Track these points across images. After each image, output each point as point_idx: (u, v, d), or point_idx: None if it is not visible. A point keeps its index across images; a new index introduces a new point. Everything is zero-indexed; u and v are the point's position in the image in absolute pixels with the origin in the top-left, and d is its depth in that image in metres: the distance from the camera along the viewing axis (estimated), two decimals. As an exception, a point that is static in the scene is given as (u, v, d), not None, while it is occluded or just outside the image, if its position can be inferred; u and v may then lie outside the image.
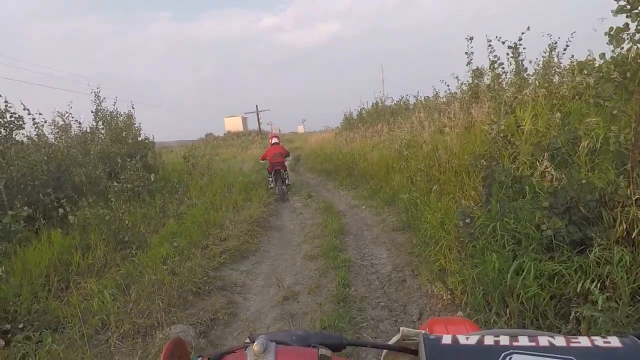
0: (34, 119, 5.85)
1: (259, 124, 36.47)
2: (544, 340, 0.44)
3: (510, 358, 0.42)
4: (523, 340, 0.45)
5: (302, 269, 4.01)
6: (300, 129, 53.27)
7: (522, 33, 4.76)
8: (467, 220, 2.87)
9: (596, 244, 2.02)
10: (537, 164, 2.63)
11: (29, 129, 5.68)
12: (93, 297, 3.06)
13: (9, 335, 2.59)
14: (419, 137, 6.55)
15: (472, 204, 3.33)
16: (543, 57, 5.07)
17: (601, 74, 2.37)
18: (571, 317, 1.91)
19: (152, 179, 6.43)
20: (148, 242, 4.44)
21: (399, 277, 3.57)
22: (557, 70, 5.08)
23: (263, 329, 2.90)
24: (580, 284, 1.89)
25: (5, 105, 4.83)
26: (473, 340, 0.46)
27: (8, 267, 3.32)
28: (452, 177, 4.45)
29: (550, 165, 2.48)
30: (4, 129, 4.82)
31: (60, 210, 4.58)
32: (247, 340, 0.57)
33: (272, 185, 8.10)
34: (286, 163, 8.24)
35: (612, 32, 2.34)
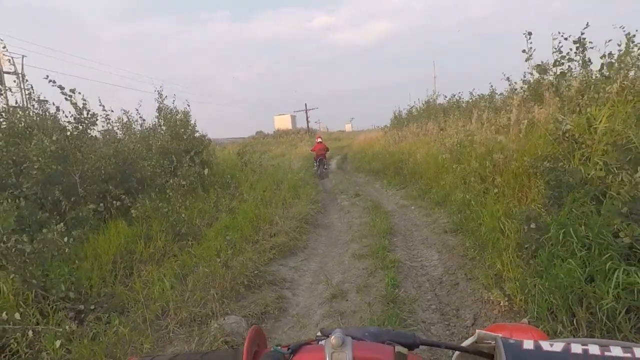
0: (107, 115, 6.37)
1: (308, 122, 36.96)
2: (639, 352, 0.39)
3: None
4: (616, 351, 0.40)
5: (350, 267, 4.00)
6: (348, 128, 53.22)
7: (586, 26, 4.38)
8: (532, 225, 2.68)
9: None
10: (615, 167, 2.39)
11: (101, 125, 6.21)
12: (154, 285, 3.27)
13: (82, 315, 2.84)
14: (473, 137, 6.26)
15: (537, 207, 3.12)
16: (619, 49, 4.61)
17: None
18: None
19: (206, 173, 6.73)
20: (203, 234, 4.66)
21: (451, 280, 3.44)
22: (636, 62, 4.59)
23: (312, 326, 2.93)
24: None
25: (84, 104, 5.29)
26: (558, 347, 0.42)
27: (81, 252, 3.65)
28: (511, 179, 4.20)
29: (632, 168, 2.24)
30: (81, 125, 5.29)
31: (124, 202, 4.95)
32: (319, 334, 0.57)
33: (315, 168, 11.67)
34: (327, 155, 12.36)
35: None
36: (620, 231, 2.08)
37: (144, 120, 8.00)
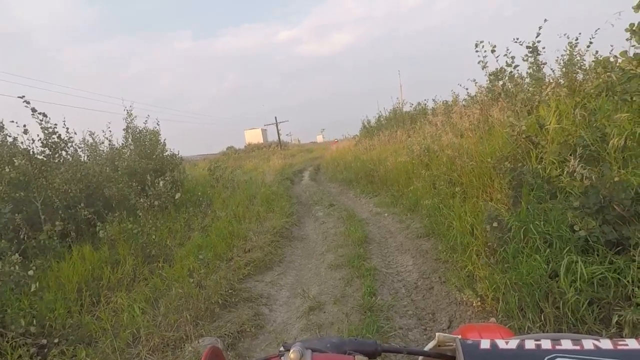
0: (70, 138, 6.15)
1: (279, 135, 36.90)
2: (588, 344, 0.42)
3: None
4: (566, 344, 0.42)
5: (327, 278, 3.98)
6: (320, 139, 53.53)
7: (540, 28, 4.65)
8: (495, 224, 2.78)
9: (637, 244, 1.91)
10: (567, 163, 2.53)
11: (69, 149, 5.97)
12: (123, 311, 3.14)
13: (46, 350, 2.67)
14: (439, 142, 6.46)
15: (499, 207, 3.24)
16: (564, 55, 4.93)
17: (623, 71, 2.30)
18: (613, 321, 1.81)
19: (177, 197, 6.58)
20: (174, 255, 4.53)
21: (426, 284, 3.49)
22: (582, 66, 4.92)
23: (290, 341, 2.88)
24: (623, 286, 1.78)
25: (53, 127, 5.08)
26: (513, 344, 0.44)
27: (44, 282, 3.45)
28: (475, 180, 4.35)
29: (580, 164, 2.38)
30: (48, 149, 5.07)
31: (92, 223, 4.76)
32: (282, 349, 0.57)
33: None
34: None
35: (634, 28, 2.27)
36: (574, 225, 2.19)
37: (110, 141, 7.78)
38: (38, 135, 5.03)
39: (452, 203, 4.35)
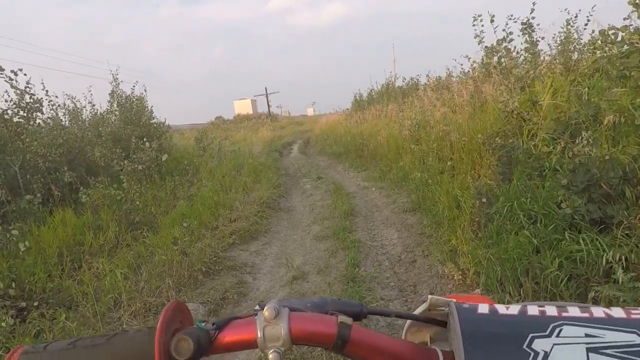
0: (50, 101, 5.90)
1: (269, 106, 36.31)
2: (598, 312, 0.38)
3: (561, 330, 0.36)
4: (573, 311, 0.38)
5: (312, 249, 4.00)
6: (310, 112, 52.96)
7: (534, 3, 4.52)
8: (484, 200, 2.78)
9: (623, 223, 1.93)
10: (559, 140, 2.51)
11: (46, 112, 5.76)
12: (105, 277, 3.10)
13: (25, 313, 2.64)
14: (430, 117, 6.40)
15: (489, 182, 3.24)
16: (561, 33, 4.84)
17: (625, 45, 2.24)
18: (589, 296, 1.85)
19: (164, 159, 6.45)
20: (159, 223, 4.47)
21: (410, 257, 3.53)
22: (577, 46, 4.85)
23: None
24: (603, 263, 1.81)
25: (26, 87, 4.83)
26: (514, 310, 0.40)
27: (22, 246, 3.37)
28: (464, 156, 4.35)
29: (572, 141, 2.36)
30: (22, 111, 4.84)
31: (73, 187, 4.65)
32: (257, 307, 0.52)
33: None
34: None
35: (636, 1, 2.20)
36: (562, 202, 2.20)
37: (93, 105, 7.52)
38: (10, 96, 4.79)
39: (440, 179, 4.35)
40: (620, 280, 1.68)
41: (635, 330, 0.35)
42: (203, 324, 0.43)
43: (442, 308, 0.46)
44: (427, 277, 3.12)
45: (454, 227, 3.29)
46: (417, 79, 11.54)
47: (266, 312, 0.41)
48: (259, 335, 0.41)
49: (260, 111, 41.75)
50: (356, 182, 7.26)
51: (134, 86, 8.02)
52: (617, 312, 0.38)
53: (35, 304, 2.75)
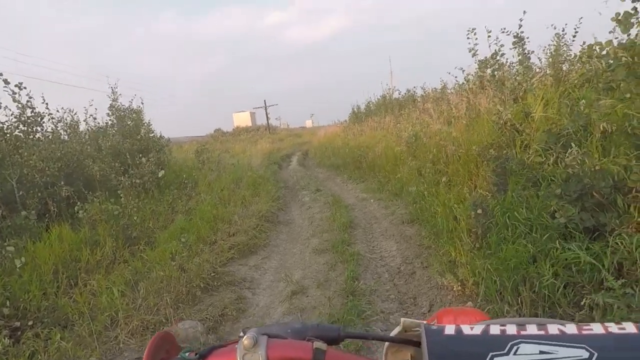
0: (50, 114, 5.95)
1: (268, 118, 36.54)
2: (553, 329, 0.41)
3: (518, 347, 0.39)
4: (531, 329, 0.41)
5: (311, 263, 3.99)
6: (309, 124, 53.20)
7: (520, 20, 4.62)
8: (479, 211, 2.80)
9: (615, 231, 1.95)
10: (549, 153, 2.54)
11: (46, 126, 5.81)
12: (101, 294, 3.08)
13: (19, 333, 2.62)
14: (427, 129, 6.46)
15: (484, 194, 3.26)
16: (550, 45, 4.95)
17: (610, 60, 2.31)
18: (584, 304, 1.86)
19: (160, 175, 6.47)
20: (156, 238, 4.47)
21: (409, 269, 3.52)
22: (567, 57, 4.94)
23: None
24: (597, 271, 1.81)
25: (27, 102, 4.88)
26: (478, 330, 0.43)
27: (19, 263, 3.36)
28: (460, 168, 4.37)
29: (563, 152, 2.40)
30: (23, 125, 4.89)
31: (71, 202, 4.65)
32: (241, 334, 0.54)
33: None
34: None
35: (619, 17, 2.27)
36: (556, 212, 2.22)
37: (94, 119, 7.58)
38: (10, 109, 4.83)
39: (436, 190, 4.37)
40: (614, 287, 1.69)
41: (584, 345, 0.38)
42: (187, 354, 0.45)
43: (416, 329, 0.49)
44: (427, 289, 3.11)
45: (452, 238, 3.29)
46: (414, 91, 11.67)
47: (245, 340, 0.44)
48: None
49: (259, 123, 41.97)
50: (355, 193, 7.27)
51: (131, 99, 8.11)
52: (570, 329, 0.41)
53: (30, 323, 2.73)
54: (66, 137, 6.75)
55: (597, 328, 0.40)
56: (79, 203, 4.54)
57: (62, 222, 4.35)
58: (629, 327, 0.40)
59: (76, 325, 2.75)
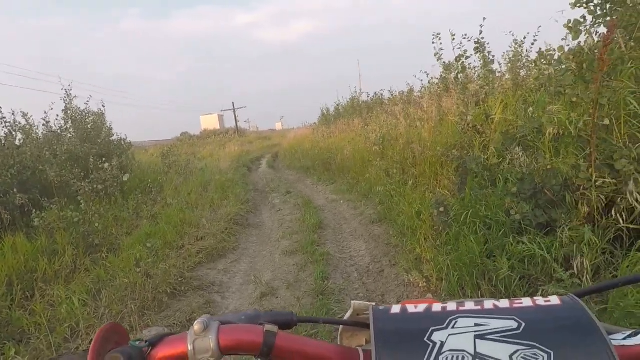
0: (3, 118, 5.61)
1: (236, 121, 36.02)
2: (489, 304, 0.45)
3: (456, 322, 0.43)
4: (469, 305, 0.45)
5: (281, 264, 3.99)
6: (279, 126, 52.98)
7: (481, 26, 4.85)
8: (442, 209, 2.92)
9: (564, 225, 2.10)
10: (507, 152, 2.70)
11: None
12: (61, 304, 2.94)
13: (-31, 349, 2.46)
14: (394, 131, 6.61)
15: (446, 193, 3.39)
16: (509, 51, 5.22)
17: (561, 64, 2.47)
18: (538, 294, 1.98)
19: (125, 178, 6.24)
20: (120, 244, 4.31)
21: (377, 268, 3.60)
22: (525, 64, 5.22)
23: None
24: (549, 263, 1.94)
25: None
26: (421, 308, 0.46)
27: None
28: (427, 169, 4.52)
29: (519, 153, 2.55)
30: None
31: (26, 214, 4.41)
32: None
33: None
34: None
35: (570, 25, 2.43)
36: (511, 209, 2.35)
37: (47, 123, 7.17)
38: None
39: (403, 190, 4.49)
40: (563, 278, 1.81)
41: (514, 317, 0.42)
42: (137, 342, 0.45)
43: (366, 312, 0.52)
44: (394, 286, 3.19)
45: (417, 236, 3.40)
46: (381, 94, 11.91)
47: (196, 326, 0.44)
48: (189, 349, 0.44)
49: (227, 126, 41.29)
50: (325, 195, 7.33)
51: (87, 101, 7.76)
52: (504, 303, 0.45)
53: (-18, 338, 2.57)
54: (19, 142, 6.38)
55: (526, 302, 0.45)
56: (34, 211, 4.30)
57: (16, 232, 4.11)
58: (554, 300, 0.45)
59: (33, 339, 2.61)
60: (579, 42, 2.53)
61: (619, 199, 2.04)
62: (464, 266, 2.46)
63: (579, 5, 2.44)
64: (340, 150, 8.86)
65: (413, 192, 4.19)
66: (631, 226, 2.02)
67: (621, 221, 2.02)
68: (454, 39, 4.89)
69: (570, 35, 2.52)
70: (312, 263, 3.80)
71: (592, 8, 2.41)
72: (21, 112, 6.74)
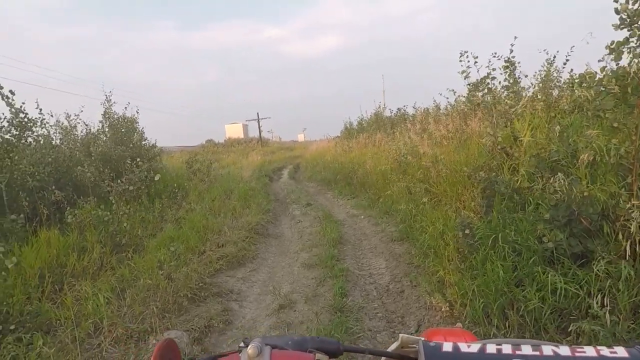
0: (42, 119, 5.92)
1: (260, 131, 36.55)
2: (547, 350, 0.43)
3: None
4: (526, 349, 0.43)
5: (300, 277, 3.97)
6: (301, 138, 53.40)
7: (512, 45, 4.77)
8: (467, 232, 2.85)
9: (600, 258, 1.99)
10: (538, 177, 2.62)
11: (38, 130, 5.76)
12: (87, 300, 3.02)
13: (0, 336, 2.54)
14: (418, 148, 6.56)
15: (471, 214, 3.32)
16: (541, 71, 5.12)
17: (602, 87, 2.39)
18: (570, 330, 1.88)
19: (157, 179, 6.43)
20: (145, 246, 4.41)
21: (397, 287, 3.53)
22: (557, 84, 5.11)
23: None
24: (583, 298, 1.85)
25: (21, 106, 4.88)
26: (475, 348, 0.45)
27: (2, 266, 3.28)
28: (448, 189, 4.44)
29: (552, 177, 2.47)
30: (15, 129, 4.86)
31: (61, 207, 4.60)
32: (242, 344, 0.55)
33: None
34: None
35: (612, 46, 2.36)
36: (544, 236, 2.27)
37: (87, 125, 7.53)
38: (3, 113, 4.83)
39: (425, 209, 4.42)
40: (600, 315, 1.72)
41: None
42: None
43: (413, 345, 0.51)
44: (415, 309, 3.12)
45: (440, 257, 3.32)
46: (405, 110, 11.86)
47: (250, 350, 0.45)
48: None
49: (251, 136, 41.94)
50: (345, 209, 7.30)
51: (125, 107, 8.10)
52: (564, 351, 0.43)
53: (12, 327, 2.65)
54: (58, 142, 6.70)
55: (589, 351, 0.42)
56: (68, 208, 4.48)
57: (51, 227, 4.28)
58: (620, 352, 0.42)
59: (59, 331, 2.68)
60: (617, 64, 2.44)
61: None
62: (490, 293, 2.38)
63: (622, 27, 2.37)
64: (362, 164, 8.84)
65: (434, 210, 4.12)
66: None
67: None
68: (476, 62, 4.84)
69: (609, 57, 2.45)
70: (331, 278, 3.77)
71: (637, 30, 2.33)
72: (65, 113, 7.10)
